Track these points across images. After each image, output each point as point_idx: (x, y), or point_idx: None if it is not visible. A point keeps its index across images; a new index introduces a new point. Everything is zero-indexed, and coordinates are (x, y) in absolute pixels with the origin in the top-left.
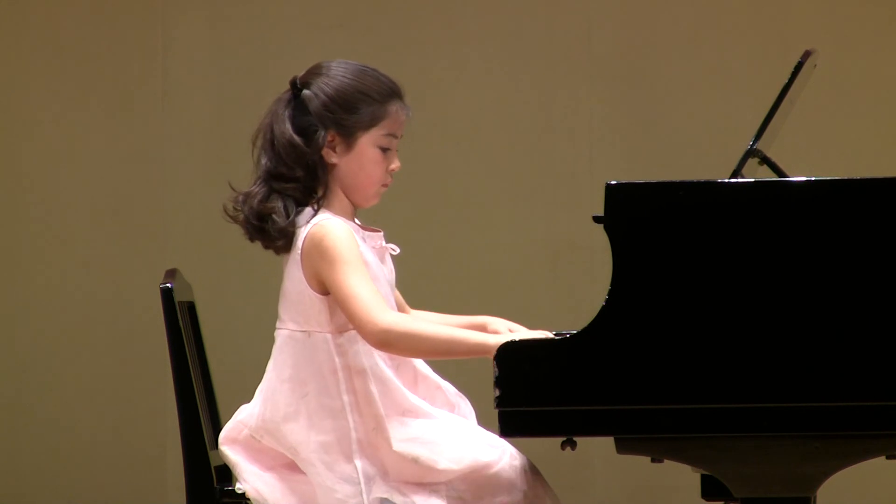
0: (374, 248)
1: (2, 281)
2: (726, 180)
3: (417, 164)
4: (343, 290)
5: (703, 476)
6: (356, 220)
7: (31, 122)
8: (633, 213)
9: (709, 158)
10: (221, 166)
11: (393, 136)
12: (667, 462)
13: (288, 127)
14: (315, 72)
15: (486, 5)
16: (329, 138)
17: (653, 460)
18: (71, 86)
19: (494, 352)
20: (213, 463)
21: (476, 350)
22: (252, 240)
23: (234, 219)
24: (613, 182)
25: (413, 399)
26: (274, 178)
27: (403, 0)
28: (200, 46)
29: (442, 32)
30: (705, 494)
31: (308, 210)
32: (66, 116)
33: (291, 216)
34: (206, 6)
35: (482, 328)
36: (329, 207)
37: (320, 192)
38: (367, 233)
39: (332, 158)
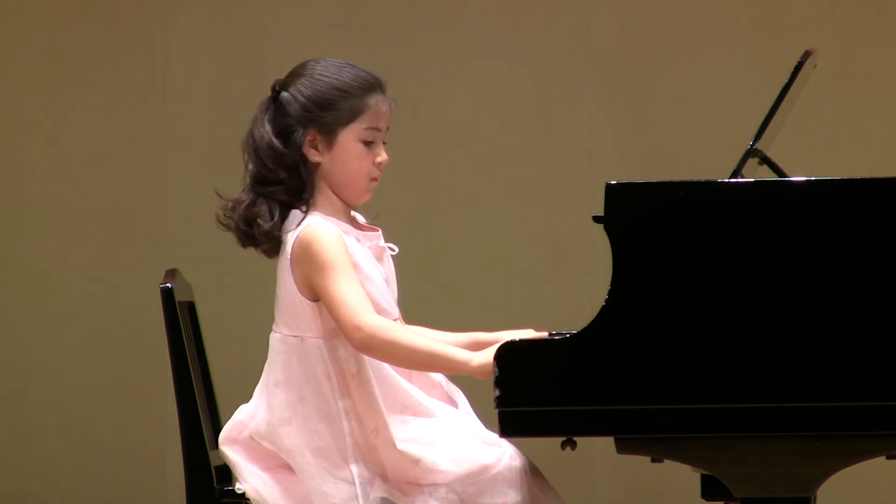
0: (370, 247)
1: (1, 281)
2: (726, 180)
3: (417, 163)
4: (330, 295)
5: (703, 476)
6: (357, 218)
7: (31, 121)
8: (633, 213)
9: (709, 158)
10: (221, 166)
11: (375, 128)
12: (667, 462)
13: (268, 130)
14: (295, 72)
15: (485, 5)
16: (309, 137)
17: (653, 460)
18: (71, 85)
19: (476, 372)
20: (213, 463)
21: (458, 368)
22: (244, 246)
23: (227, 227)
24: (613, 182)
25: (412, 392)
26: (259, 183)
27: (403, 0)
28: (200, 46)
29: (442, 32)
30: (705, 494)
31: (297, 213)
32: (66, 116)
33: (276, 219)
34: (206, 6)
35: (475, 345)
36: (319, 208)
37: (307, 193)
38: (362, 232)
39: (315, 157)
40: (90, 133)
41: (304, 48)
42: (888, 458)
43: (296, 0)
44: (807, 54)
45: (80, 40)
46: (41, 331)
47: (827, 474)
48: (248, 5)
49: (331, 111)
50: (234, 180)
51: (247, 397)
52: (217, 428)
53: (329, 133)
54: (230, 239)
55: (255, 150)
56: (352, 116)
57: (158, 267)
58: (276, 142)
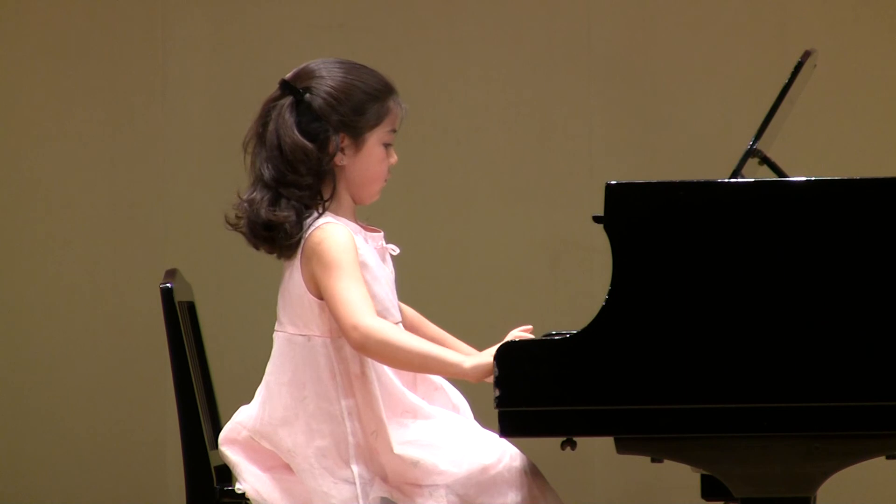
0: (375, 248)
1: (2, 281)
2: (726, 180)
3: (417, 163)
4: (332, 294)
5: (703, 476)
6: (357, 221)
7: (31, 122)
8: (633, 213)
9: (709, 158)
10: (221, 166)
11: (394, 131)
12: (667, 462)
13: (297, 133)
14: (309, 74)
15: (486, 5)
16: (341, 141)
17: (653, 460)
18: (71, 86)
19: (467, 374)
20: (213, 463)
21: (450, 370)
22: (256, 247)
23: (235, 227)
24: (613, 182)
25: (412, 398)
26: (282, 185)
27: (403, 0)
28: (200, 46)
29: (442, 32)
30: (705, 494)
31: (311, 212)
32: (66, 116)
33: (303, 223)
34: (206, 6)
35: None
36: (333, 210)
37: (327, 195)
38: (368, 233)
39: (343, 161)
40: (90, 133)
41: (304, 48)
42: (888, 458)
43: (296, 0)
44: (807, 54)
45: (80, 40)
46: (41, 330)
47: (827, 474)
48: (247, 5)
49: (363, 115)
50: (234, 180)
51: (247, 397)
52: (217, 428)
53: (357, 137)
54: (230, 239)
55: (282, 152)
56: (378, 120)
57: (158, 267)
58: (310, 146)
